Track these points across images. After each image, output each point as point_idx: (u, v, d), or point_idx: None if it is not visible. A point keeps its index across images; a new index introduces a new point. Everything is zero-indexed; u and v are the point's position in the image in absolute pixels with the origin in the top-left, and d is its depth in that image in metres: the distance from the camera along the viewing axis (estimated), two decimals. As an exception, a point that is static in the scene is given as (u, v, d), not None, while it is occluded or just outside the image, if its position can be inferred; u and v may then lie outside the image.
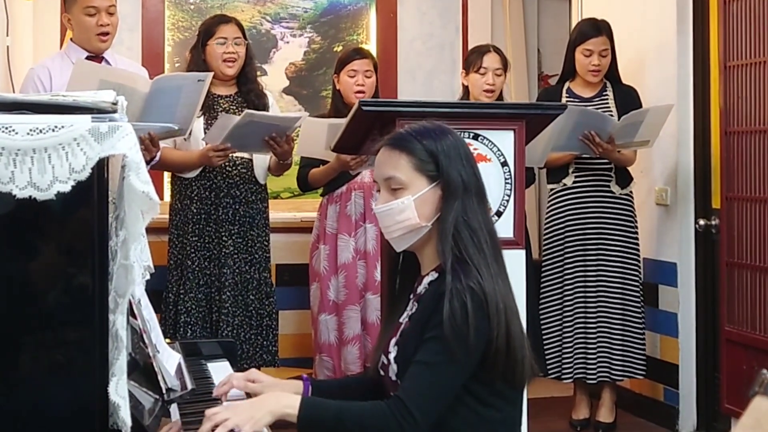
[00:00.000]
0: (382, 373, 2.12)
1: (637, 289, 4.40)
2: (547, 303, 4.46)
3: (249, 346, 4.03)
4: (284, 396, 1.98)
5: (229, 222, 4.04)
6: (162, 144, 3.83)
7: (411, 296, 2.13)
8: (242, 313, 4.03)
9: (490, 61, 4.37)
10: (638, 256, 4.42)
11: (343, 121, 3.44)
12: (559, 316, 4.43)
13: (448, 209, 2.02)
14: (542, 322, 4.43)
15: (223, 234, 4.03)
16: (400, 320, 2.12)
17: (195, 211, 4.03)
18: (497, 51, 4.45)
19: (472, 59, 4.42)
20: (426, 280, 2.08)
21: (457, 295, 1.92)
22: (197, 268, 4.01)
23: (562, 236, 4.43)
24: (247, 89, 4.11)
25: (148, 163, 3.59)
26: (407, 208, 2.02)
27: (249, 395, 2.13)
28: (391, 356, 2.06)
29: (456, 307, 1.91)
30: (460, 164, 2.04)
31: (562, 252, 4.43)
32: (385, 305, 2.28)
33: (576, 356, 4.39)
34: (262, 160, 4.13)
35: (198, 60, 4.07)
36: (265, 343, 4.07)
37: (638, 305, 4.40)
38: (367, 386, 2.21)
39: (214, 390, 2.14)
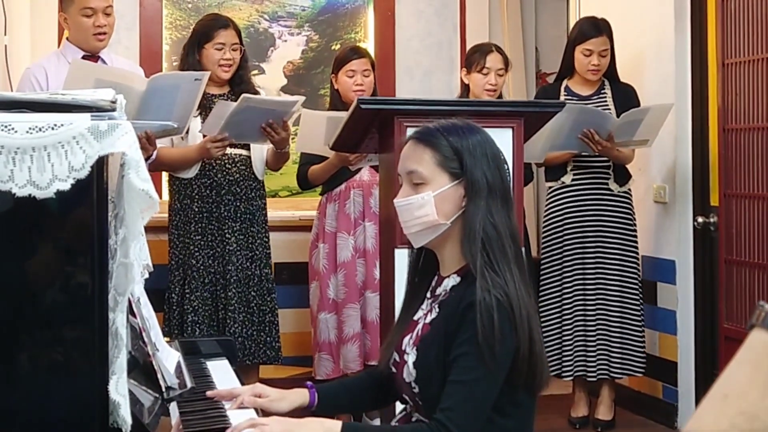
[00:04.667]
0: (393, 370, 2.11)
1: (636, 286, 4.41)
2: (546, 301, 4.46)
3: (252, 343, 4.04)
4: (327, 421, 1.98)
5: (231, 219, 4.04)
6: (159, 143, 3.83)
7: (428, 295, 2.12)
8: (245, 309, 4.03)
9: (493, 61, 4.35)
10: (637, 253, 4.42)
11: (342, 115, 3.44)
12: (559, 314, 4.43)
13: (474, 209, 1.99)
14: (541, 320, 4.43)
15: (225, 231, 4.03)
16: (415, 318, 2.11)
17: (196, 209, 4.03)
18: (499, 51, 4.42)
19: (474, 58, 4.39)
20: (447, 283, 2.06)
21: (486, 308, 1.90)
22: (201, 267, 4.01)
23: (560, 234, 4.43)
24: (240, 89, 4.11)
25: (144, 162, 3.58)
26: (427, 203, 2.00)
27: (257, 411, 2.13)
28: (409, 358, 2.04)
29: (485, 321, 1.90)
30: (485, 164, 2.01)
31: (560, 250, 4.43)
32: (389, 301, 2.27)
33: (576, 354, 4.40)
34: (260, 155, 4.13)
35: (193, 61, 4.06)
36: (268, 339, 4.08)
37: (637, 303, 4.40)
38: (374, 386, 2.20)
39: (210, 392, 2.13)
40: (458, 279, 2.04)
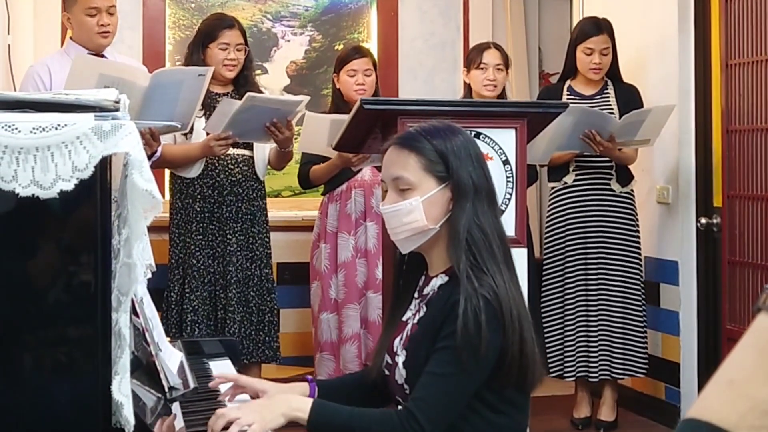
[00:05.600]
0: (386, 372, 2.10)
1: (639, 287, 4.40)
2: (549, 301, 4.46)
3: (250, 342, 4.04)
4: (295, 399, 1.98)
5: (232, 220, 4.04)
6: (162, 140, 3.83)
7: (416, 295, 2.11)
8: (244, 309, 4.03)
9: (491, 57, 4.38)
10: (639, 254, 4.42)
11: (345, 117, 3.44)
12: (561, 315, 4.43)
13: (460, 212, 1.98)
14: (544, 320, 4.43)
15: (227, 232, 4.03)
16: (404, 319, 2.10)
17: (198, 209, 4.03)
18: (497, 47, 4.46)
19: (472, 56, 4.44)
20: (435, 282, 2.05)
21: (471, 306, 1.89)
22: (202, 267, 4.01)
23: (563, 234, 4.43)
24: (245, 90, 4.10)
25: (149, 158, 3.58)
26: (415, 209, 1.99)
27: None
28: (399, 359, 2.04)
29: (469, 318, 1.89)
30: (470, 165, 2.00)
31: (563, 250, 4.43)
32: (389, 303, 2.27)
33: (578, 354, 4.39)
34: (262, 156, 4.13)
35: (197, 60, 4.06)
36: (267, 339, 4.08)
37: (639, 303, 4.40)
38: (370, 386, 2.19)
39: (214, 383, 2.14)
40: (446, 278, 2.03)
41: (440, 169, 2.00)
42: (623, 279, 4.38)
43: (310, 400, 1.95)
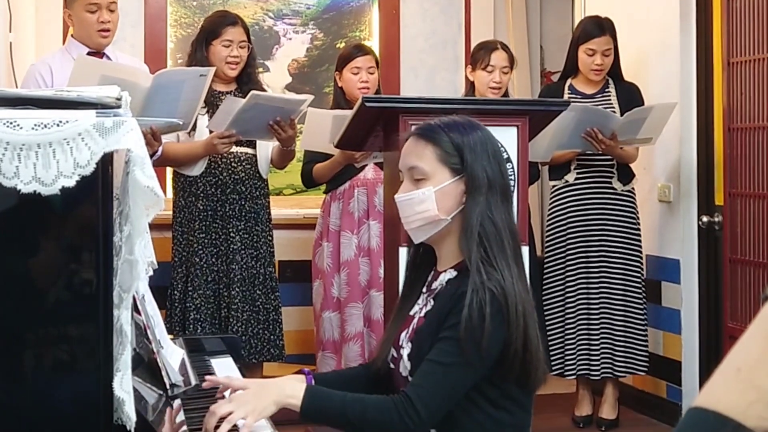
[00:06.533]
0: (392, 366, 2.11)
1: (639, 285, 4.41)
2: (550, 300, 4.46)
3: (257, 341, 4.04)
4: (288, 385, 1.97)
5: (235, 218, 4.04)
6: (165, 139, 3.82)
7: (424, 290, 2.12)
8: (250, 308, 4.03)
9: (498, 59, 4.34)
10: (640, 252, 4.42)
11: (347, 113, 3.43)
12: (562, 313, 4.43)
13: (473, 205, 2.00)
14: (545, 318, 4.43)
15: (230, 230, 4.03)
16: (411, 313, 2.11)
17: (201, 208, 4.03)
18: (505, 48, 4.42)
19: (479, 56, 4.38)
20: (443, 277, 2.06)
21: (477, 298, 1.91)
22: (205, 265, 4.01)
23: (564, 233, 4.43)
24: (248, 87, 4.10)
25: (150, 158, 3.58)
26: (427, 199, 2.01)
27: None
28: (404, 352, 2.05)
29: (474, 310, 1.90)
30: (485, 160, 2.02)
31: (564, 248, 4.43)
32: (393, 299, 2.27)
33: (579, 352, 4.39)
34: (265, 154, 4.13)
35: (201, 57, 4.06)
36: (272, 337, 4.08)
37: (640, 302, 4.40)
38: (371, 379, 2.19)
39: (206, 383, 2.13)
40: (455, 273, 2.05)
41: (455, 162, 2.02)
42: (624, 277, 4.38)
43: (304, 386, 1.95)
